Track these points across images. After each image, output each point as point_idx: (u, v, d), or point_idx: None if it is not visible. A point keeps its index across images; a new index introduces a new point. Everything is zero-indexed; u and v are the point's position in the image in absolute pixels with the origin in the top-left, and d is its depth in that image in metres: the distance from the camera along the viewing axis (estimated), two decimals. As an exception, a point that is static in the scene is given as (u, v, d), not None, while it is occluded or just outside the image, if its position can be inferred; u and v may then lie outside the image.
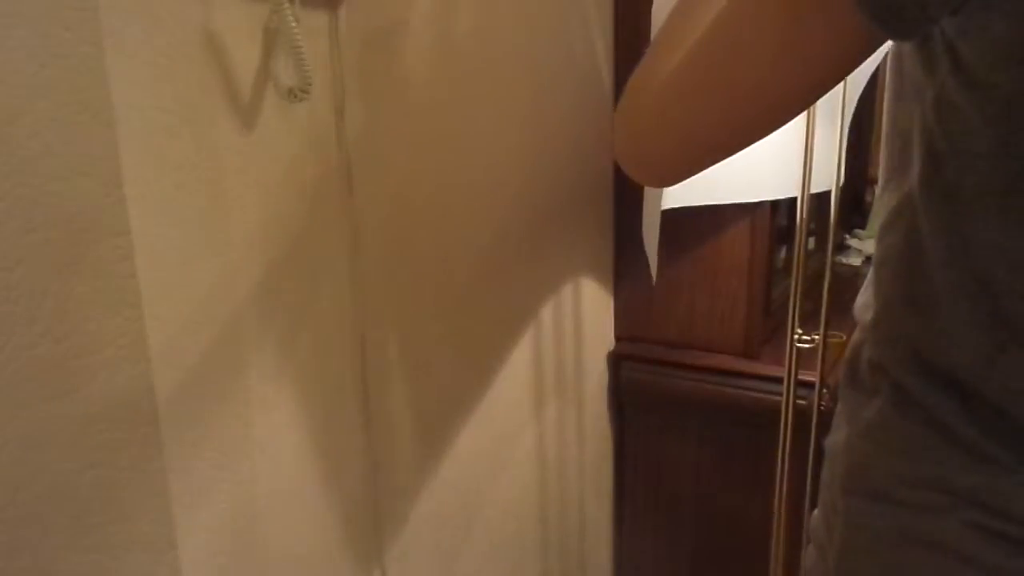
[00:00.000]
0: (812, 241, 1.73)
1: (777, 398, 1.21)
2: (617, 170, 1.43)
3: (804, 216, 1.13)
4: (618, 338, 1.51)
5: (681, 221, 1.35)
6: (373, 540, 0.92)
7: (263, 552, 0.77)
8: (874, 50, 0.46)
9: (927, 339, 0.52)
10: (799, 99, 0.49)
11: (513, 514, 1.24)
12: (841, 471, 0.58)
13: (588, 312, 1.39)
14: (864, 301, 0.59)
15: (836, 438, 0.60)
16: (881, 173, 0.58)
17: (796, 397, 1.20)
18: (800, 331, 1.17)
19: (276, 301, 0.75)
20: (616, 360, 1.49)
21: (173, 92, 0.62)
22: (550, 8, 1.15)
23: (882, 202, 0.57)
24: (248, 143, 0.69)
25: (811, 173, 1.11)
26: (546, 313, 1.25)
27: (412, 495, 0.98)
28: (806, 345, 1.17)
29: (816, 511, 0.62)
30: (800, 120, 1.10)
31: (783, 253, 1.55)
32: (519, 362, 1.19)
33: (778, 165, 1.15)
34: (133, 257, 0.59)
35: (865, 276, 0.60)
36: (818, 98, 0.50)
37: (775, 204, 1.37)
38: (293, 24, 0.68)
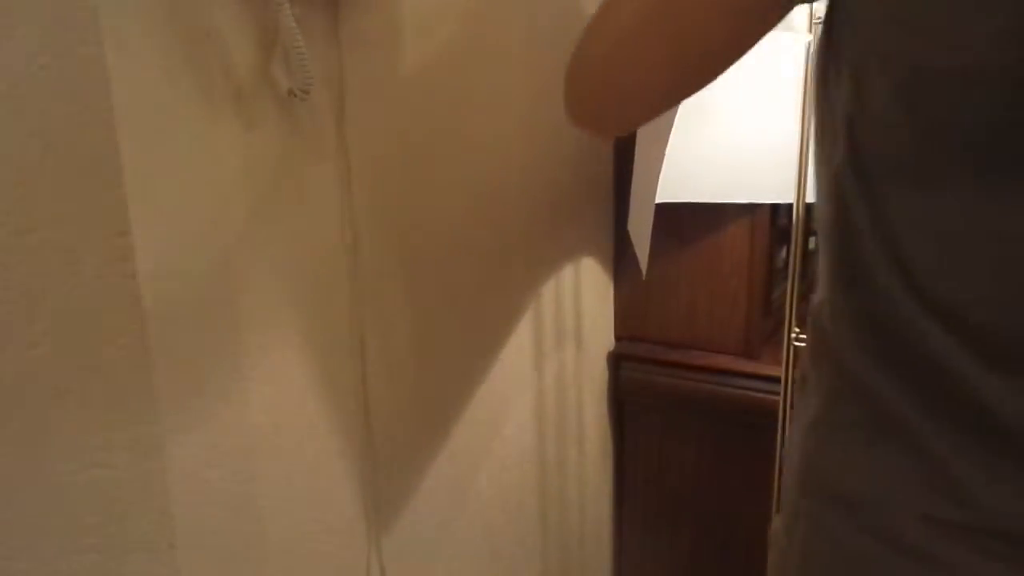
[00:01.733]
0: (813, 241, 1.73)
1: (777, 398, 1.21)
2: (617, 170, 1.43)
3: (801, 215, 1.13)
4: (618, 338, 1.51)
5: (681, 221, 1.35)
6: (373, 540, 0.92)
7: (263, 551, 0.77)
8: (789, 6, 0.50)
9: (864, 314, 0.51)
10: (731, 45, 0.53)
11: (513, 514, 1.24)
12: (795, 472, 0.57)
13: (588, 312, 1.39)
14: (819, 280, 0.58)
15: (790, 437, 0.59)
16: (813, 143, 0.58)
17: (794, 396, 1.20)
18: (797, 330, 1.17)
19: (276, 301, 0.75)
20: (616, 360, 1.49)
21: (173, 92, 0.62)
22: (549, 7, 1.15)
23: (817, 173, 0.57)
24: (248, 143, 0.69)
25: (807, 175, 1.11)
26: (546, 313, 1.25)
27: (412, 495, 0.98)
28: (803, 344, 1.17)
29: (776, 516, 0.61)
30: (797, 123, 1.10)
31: (783, 253, 1.55)
32: (519, 362, 1.19)
33: (777, 169, 1.15)
34: (133, 257, 0.59)
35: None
36: (747, 48, 0.54)
37: (776, 204, 1.37)
38: (293, 24, 0.68)
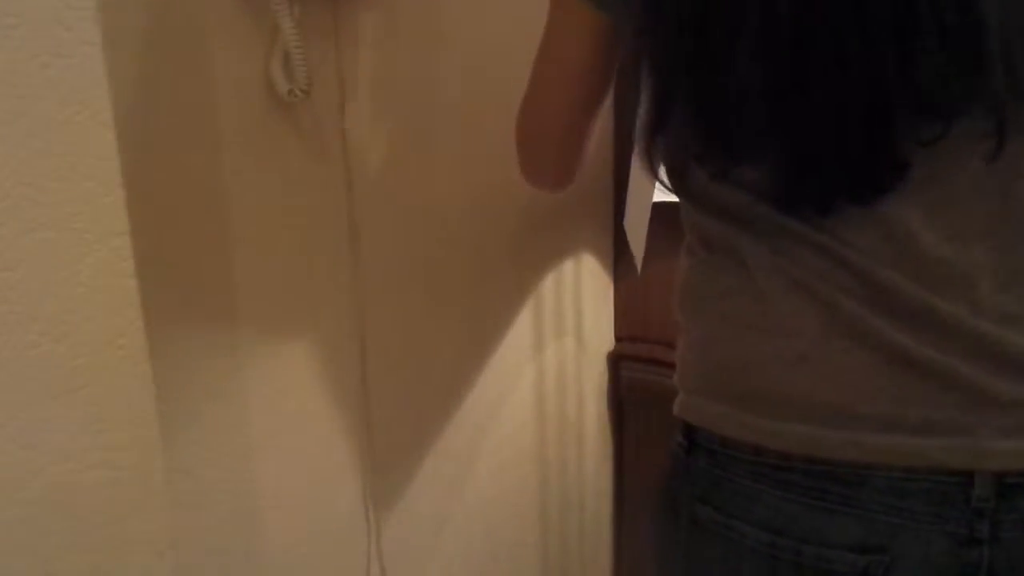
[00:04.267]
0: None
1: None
2: (617, 170, 1.43)
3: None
4: (618, 338, 1.51)
5: (681, 220, 1.35)
6: (373, 540, 0.92)
7: (263, 552, 0.77)
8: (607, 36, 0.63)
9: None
10: (582, 84, 0.68)
11: (513, 514, 1.24)
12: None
13: (588, 312, 1.39)
14: None
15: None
16: None
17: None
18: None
19: (276, 301, 0.75)
20: (616, 360, 1.48)
21: (173, 92, 0.62)
22: (550, 8, 1.15)
23: None
24: (248, 143, 0.70)
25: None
26: (546, 313, 1.25)
27: (412, 495, 0.98)
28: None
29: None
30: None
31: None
32: (519, 362, 1.19)
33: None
34: (133, 257, 0.59)
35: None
36: (599, 86, 0.68)
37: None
38: (293, 24, 0.68)
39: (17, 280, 0.51)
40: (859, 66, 0.48)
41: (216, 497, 0.70)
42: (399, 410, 0.94)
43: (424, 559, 1.03)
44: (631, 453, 1.53)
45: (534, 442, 1.27)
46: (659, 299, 1.46)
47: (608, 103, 0.72)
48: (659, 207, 1.08)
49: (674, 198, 0.67)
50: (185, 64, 0.63)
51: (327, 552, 0.86)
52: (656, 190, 1.06)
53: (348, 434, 0.86)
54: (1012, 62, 0.48)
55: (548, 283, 1.25)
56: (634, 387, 1.48)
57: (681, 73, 0.53)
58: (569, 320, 1.33)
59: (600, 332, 1.46)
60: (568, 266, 1.31)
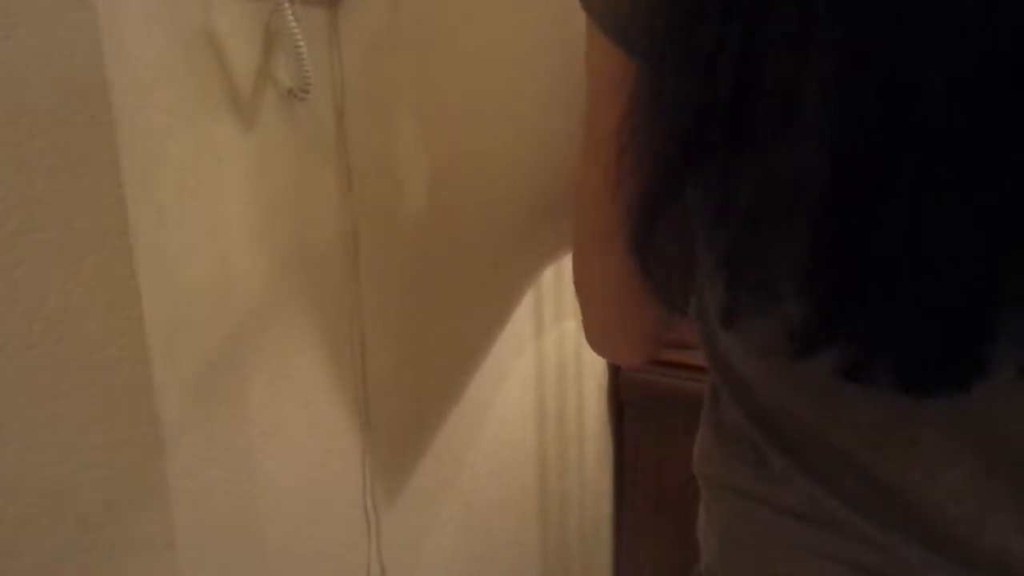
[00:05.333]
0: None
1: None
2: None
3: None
4: (618, 338, 1.51)
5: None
6: (373, 540, 0.92)
7: (263, 552, 0.77)
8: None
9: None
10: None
11: (513, 514, 1.24)
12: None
13: (588, 312, 1.39)
14: None
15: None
16: None
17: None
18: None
19: (276, 301, 0.75)
20: (616, 360, 1.49)
21: (173, 92, 0.62)
22: (553, 9, 1.15)
23: None
24: (248, 143, 0.69)
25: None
26: (546, 313, 1.25)
27: (412, 494, 0.98)
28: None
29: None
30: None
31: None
32: (519, 363, 1.19)
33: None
34: (133, 257, 0.59)
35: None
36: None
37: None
38: (293, 24, 0.68)
39: (17, 280, 0.51)
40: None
41: (216, 497, 0.70)
42: (399, 410, 0.94)
43: (424, 559, 1.03)
44: (631, 453, 1.53)
45: (534, 442, 1.27)
46: (659, 299, 1.46)
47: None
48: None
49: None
50: (184, 64, 0.63)
51: (327, 552, 0.85)
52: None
53: (348, 434, 0.86)
54: None
55: (548, 282, 1.25)
56: (634, 387, 1.48)
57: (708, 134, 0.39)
58: (570, 320, 1.33)
59: (600, 332, 1.45)
60: (569, 265, 1.31)
